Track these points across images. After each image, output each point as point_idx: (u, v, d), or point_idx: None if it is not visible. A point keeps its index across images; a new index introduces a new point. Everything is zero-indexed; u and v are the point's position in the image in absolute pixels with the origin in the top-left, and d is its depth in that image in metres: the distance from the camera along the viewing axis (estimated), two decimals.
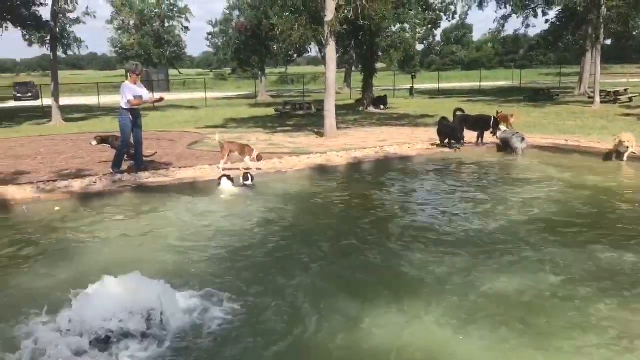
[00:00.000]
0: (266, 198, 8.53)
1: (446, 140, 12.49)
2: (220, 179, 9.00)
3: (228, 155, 10.23)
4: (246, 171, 9.38)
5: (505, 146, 12.10)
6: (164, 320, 4.20)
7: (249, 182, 9.02)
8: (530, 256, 5.70)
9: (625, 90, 27.36)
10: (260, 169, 10.06)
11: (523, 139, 11.92)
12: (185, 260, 5.85)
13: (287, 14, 18.18)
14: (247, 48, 38.85)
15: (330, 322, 4.38)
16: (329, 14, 14.74)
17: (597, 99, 23.37)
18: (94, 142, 11.67)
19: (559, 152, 11.76)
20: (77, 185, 9.02)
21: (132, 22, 52.57)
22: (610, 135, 13.84)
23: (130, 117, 10.29)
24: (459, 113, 13.36)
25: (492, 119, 12.95)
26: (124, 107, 10.18)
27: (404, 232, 6.73)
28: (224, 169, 9.87)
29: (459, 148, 12.26)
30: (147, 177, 9.63)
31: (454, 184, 9.44)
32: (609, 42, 39.39)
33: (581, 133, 14.59)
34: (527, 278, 5.12)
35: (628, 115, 19.31)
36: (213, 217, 7.50)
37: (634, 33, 37.27)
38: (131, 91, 10.10)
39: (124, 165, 10.57)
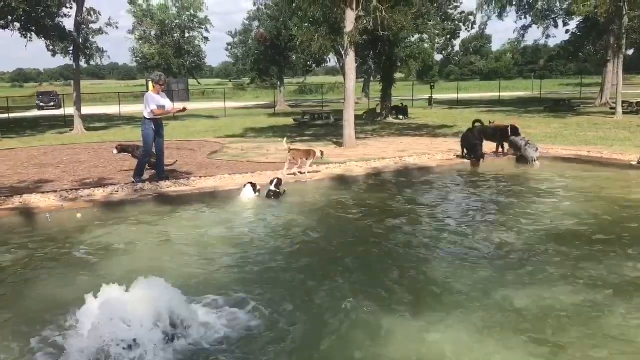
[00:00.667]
0: (285, 208, 8.56)
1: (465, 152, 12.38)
2: (244, 185, 9.10)
3: (291, 161, 10.58)
4: (276, 177, 9.42)
5: (515, 150, 12.19)
6: (184, 328, 4.22)
7: (272, 188, 9.03)
8: (554, 269, 5.64)
9: None
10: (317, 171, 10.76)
11: (537, 149, 11.83)
12: (205, 269, 5.87)
13: (307, 24, 18.31)
14: (266, 58, 39.13)
15: (351, 331, 4.37)
16: (349, 25, 14.80)
17: (619, 109, 23.12)
18: (115, 151, 11.91)
19: (580, 164, 11.62)
20: (99, 194, 9.12)
21: (153, 33, 53.17)
22: (634, 147, 13.70)
23: (153, 126, 10.40)
24: (477, 124, 13.18)
25: (510, 128, 12.79)
26: (147, 117, 10.30)
27: (425, 243, 6.69)
28: (288, 174, 10.23)
29: (475, 160, 11.88)
30: (168, 187, 9.71)
31: (474, 196, 9.39)
32: (631, 52, 38.91)
33: (603, 144, 14.42)
34: (546, 291, 5.06)
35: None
36: (234, 227, 7.54)
37: None
38: (155, 101, 10.22)
39: (146, 175, 10.66)
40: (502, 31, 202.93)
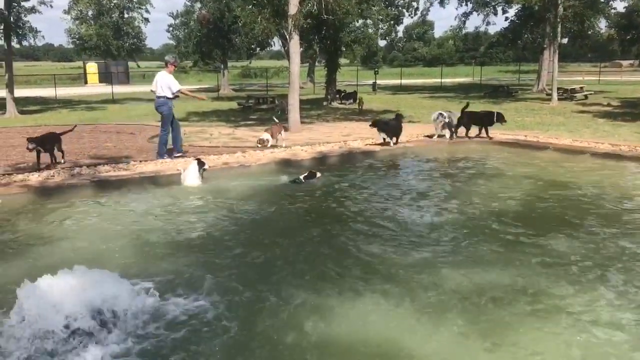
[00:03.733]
0: (228, 192, 8.46)
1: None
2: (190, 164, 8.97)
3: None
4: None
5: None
6: (122, 314, 4.11)
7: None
8: (487, 249, 5.81)
9: (581, 88, 28.13)
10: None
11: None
12: (144, 255, 5.74)
13: (250, 6, 18.04)
14: (209, 41, 38.32)
15: (294, 316, 4.37)
16: (293, 8, 14.67)
17: (555, 96, 23.98)
18: (31, 146, 9.80)
19: (518, 148, 12.00)
20: (34, 179, 8.75)
21: (90, 13, 51.27)
22: (568, 131, 14.25)
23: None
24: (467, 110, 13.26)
25: (495, 114, 13.22)
26: (170, 96, 10.67)
27: (366, 226, 6.75)
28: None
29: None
30: (107, 171, 9.42)
31: (415, 179, 9.53)
32: (565, 40, 40.29)
33: (539, 129, 14.92)
34: (485, 270, 5.21)
35: (584, 112, 19.85)
36: (174, 212, 7.39)
37: (589, 32, 38.28)
38: (175, 82, 10.74)
39: (87, 160, 10.31)
40: (445, 18, 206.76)
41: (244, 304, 4.60)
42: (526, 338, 4.03)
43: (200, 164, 8.90)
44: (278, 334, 4.11)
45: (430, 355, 3.85)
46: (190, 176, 8.77)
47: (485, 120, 13.20)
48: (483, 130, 13.13)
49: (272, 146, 12.02)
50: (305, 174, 9.01)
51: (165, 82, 10.64)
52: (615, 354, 3.84)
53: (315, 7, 15.29)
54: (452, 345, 3.97)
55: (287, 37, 15.51)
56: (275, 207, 7.73)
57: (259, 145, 11.99)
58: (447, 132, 12.85)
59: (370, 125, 12.35)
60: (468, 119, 13.08)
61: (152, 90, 11.15)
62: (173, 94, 10.71)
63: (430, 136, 13.17)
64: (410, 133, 13.84)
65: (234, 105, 25.23)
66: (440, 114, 13.04)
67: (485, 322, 4.26)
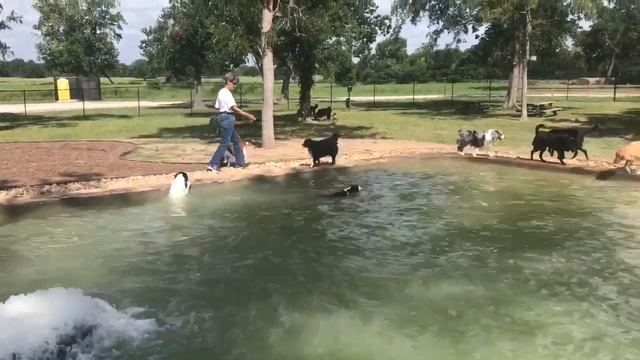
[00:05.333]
0: (202, 210, 8.42)
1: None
2: (175, 176, 9.09)
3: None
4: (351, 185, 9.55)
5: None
6: (92, 335, 4.04)
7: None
8: (454, 263, 5.87)
9: (550, 104, 28.77)
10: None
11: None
12: (115, 276, 5.65)
13: (224, 23, 18.10)
14: (182, 57, 38.27)
15: (265, 331, 4.35)
16: (266, 25, 14.74)
17: (525, 112, 24.48)
18: None
19: (488, 163, 12.18)
20: (1, 196, 8.57)
21: (61, 29, 50.77)
22: None
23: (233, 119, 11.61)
24: (541, 129, 12.42)
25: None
26: (229, 111, 11.41)
27: (343, 241, 6.77)
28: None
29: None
30: (77, 189, 9.28)
31: (390, 194, 9.59)
32: (534, 58, 41.19)
33: (510, 145, 15.16)
34: (453, 284, 5.26)
35: (553, 128, 20.23)
36: (146, 231, 7.32)
37: (557, 50, 39.27)
38: (232, 98, 11.56)
39: (57, 177, 10.15)
40: (417, 35, 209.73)
41: (219, 324, 4.56)
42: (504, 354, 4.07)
43: (185, 177, 9.05)
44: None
45: None
46: (176, 188, 8.88)
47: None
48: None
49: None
50: (349, 188, 9.28)
51: (224, 98, 11.39)
52: None
53: (288, 24, 15.40)
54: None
55: (261, 53, 15.55)
56: (251, 224, 7.71)
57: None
58: (473, 151, 12.74)
59: (303, 145, 11.91)
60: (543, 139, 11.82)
61: (215, 107, 12.03)
62: (229, 108, 11.40)
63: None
64: (382, 149, 13.98)
65: (207, 121, 25.11)
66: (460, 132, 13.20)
67: (461, 338, 4.30)
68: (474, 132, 13.02)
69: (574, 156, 11.70)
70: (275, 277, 5.60)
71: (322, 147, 11.89)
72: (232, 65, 43.57)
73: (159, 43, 42.07)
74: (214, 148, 15.35)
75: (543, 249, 6.27)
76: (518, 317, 4.59)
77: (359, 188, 9.39)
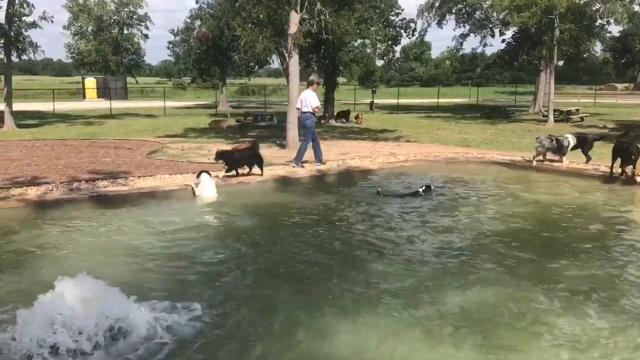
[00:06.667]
0: (227, 209, 8.48)
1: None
2: (198, 175, 9.20)
3: None
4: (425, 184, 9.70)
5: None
6: (123, 331, 4.09)
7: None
8: (489, 271, 5.82)
9: (577, 110, 28.39)
10: None
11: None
12: (143, 271, 5.73)
13: (251, 25, 18.18)
14: (207, 58, 38.55)
15: (291, 330, 4.37)
16: (293, 27, 14.80)
17: (551, 117, 24.17)
18: None
19: (514, 168, 12.06)
20: (32, 192, 8.74)
21: (89, 29, 51.45)
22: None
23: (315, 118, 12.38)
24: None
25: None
26: (311, 110, 12.12)
27: (365, 245, 6.77)
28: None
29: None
30: (105, 187, 9.42)
31: (416, 198, 9.54)
32: (561, 63, 40.67)
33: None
34: (487, 292, 5.22)
35: (580, 134, 19.95)
36: (175, 229, 7.39)
37: (585, 55, 38.66)
38: (316, 99, 12.32)
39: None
40: (442, 39, 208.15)
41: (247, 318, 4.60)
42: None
43: (208, 174, 9.23)
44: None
45: None
46: (208, 189, 9.00)
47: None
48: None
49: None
50: (423, 188, 9.51)
51: (309, 99, 12.11)
52: None
53: (315, 26, 15.41)
54: None
55: (287, 55, 15.60)
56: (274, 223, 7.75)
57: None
58: (556, 157, 12.12)
59: (215, 159, 10.67)
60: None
61: (297, 108, 12.65)
62: (312, 108, 12.10)
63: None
64: (407, 152, 13.94)
65: (232, 122, 25.29)
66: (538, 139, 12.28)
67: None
68: (556, 137, 12.20)
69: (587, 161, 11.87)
70: (300, 278, 5.62)
71: (238, 158, 10.72)
72: (257, 67, 43.80)
73: (186, 44, 42.42)
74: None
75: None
76: None
77: (432, 187, 9.64)
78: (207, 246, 6.64)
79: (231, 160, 10.54)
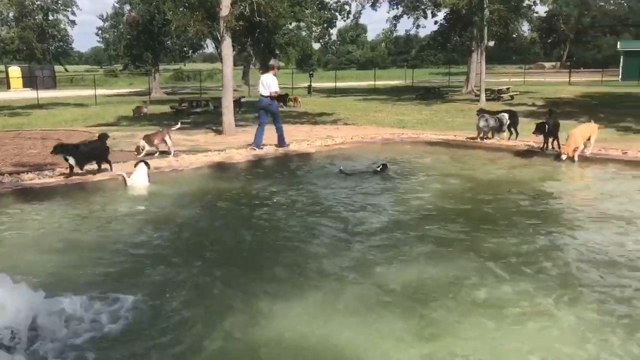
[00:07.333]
0: (159, 198, 8.28)
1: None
2: (136, 165, 8.94)
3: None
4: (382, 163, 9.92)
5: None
6: (38, 326, 3.92)
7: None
8: (414, 246, 5.92)
9: (508, 88, 29.28)
10: None
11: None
12: (72, 265, 5.52)
13: (182, 9, 17.75)
14: (139, 43, 37.45)
15: (225, 315, 4.31)
16: (225, 9, 14.51)
17: (483, 96, 24.84)
18: None
19: (448, 147, 12.31)
20: None
21: (11, 15, 48.98)
22: None
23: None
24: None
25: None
26: (273, 95, 12.12)
27: (300, 226, 6.76)
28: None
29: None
30: (31, 179, 8.99)
31: (350, 180, 9.59)
32: (492, 43, 41.80)
33: (469, 129, 15.35)
34: (413, 267, 5.31)
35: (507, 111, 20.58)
36: (104, 220, 7.16)
37: (514, 35, 39.91)
38: (276, 83, 12.21)
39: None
40: (377, 21, 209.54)
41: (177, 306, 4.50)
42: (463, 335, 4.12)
43: (147, 166, 8.94)
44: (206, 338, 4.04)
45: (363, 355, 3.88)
46: (141, 178, 8.76)
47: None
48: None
49: (163, 152, 11.31)
50: (380, 166, 9.75)
51: (270, 83, 12.01)
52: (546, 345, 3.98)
53: (247, 9, 15.19)
54: (388, 344, 4.01)
55: (220, 39, 15.31)
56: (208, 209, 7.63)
57: (136, 153, 11.35)
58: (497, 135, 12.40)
59: (51, 152, 9.18)
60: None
61: (259, 91, 12.47)
62: (270, 92, 12.03)
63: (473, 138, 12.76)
64: (344, 135, 14.01)
65: (166, 109, 24.70)
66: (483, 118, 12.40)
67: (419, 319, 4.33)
68: (497, 116, 12.46)
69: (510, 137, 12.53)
70: (234, 262, 5.55)
71: (84, 152, 9.20)
72: (191, 52, 42.95)
73: (115, 30, 41.09)
74: (173, 136, 15.09)
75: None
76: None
77: (388, 165, 9.85)
78: (138, 236, 6.45)
79: (77, 154, 8.94)
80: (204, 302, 4.63)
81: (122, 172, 8.94)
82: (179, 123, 12.92)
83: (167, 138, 11.37)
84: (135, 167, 8.95)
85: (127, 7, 39.50)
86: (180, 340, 4.03)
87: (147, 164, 8.98)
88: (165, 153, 11.25)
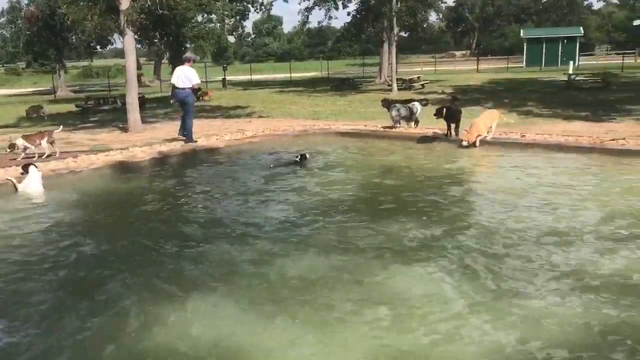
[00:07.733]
0: (53, 203, 7.81)
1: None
2: (25, 168, 8.39)
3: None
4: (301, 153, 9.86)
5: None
6: None
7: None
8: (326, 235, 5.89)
9: (418, 77, 29.97)
10: None
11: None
12: None
13: (82, 2, 16.86)
14: (40, 40, 35.43)
15: (122, 321, 4.09)
16: (125, 2, 13.90)
17: (395, 86, 25.28)
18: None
19: (358, 137, 12.41)
20: None
21: None
22: None
23: None
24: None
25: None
26: (191, 87, 12.00)
27: (202, 222, 6.57)
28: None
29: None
30: None
31: (255, 174, 9.42)
32: (403, 33, 42.68)
33: (381, 118, 15.56)
34: (315, 259, 5.27)
35: (420, 101, 21.07)
36: None
37: (424, 25, 40.92)
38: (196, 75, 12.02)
39: None
40: (293, 13, 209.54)
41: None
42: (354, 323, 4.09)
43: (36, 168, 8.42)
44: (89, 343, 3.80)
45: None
46: (34, 182, 8.18)
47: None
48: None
49: (42, 154, 10.58)
50: (299, 157, 9.70)
51: (190, 76, 11.81)
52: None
53: (149, 2, 14.63)
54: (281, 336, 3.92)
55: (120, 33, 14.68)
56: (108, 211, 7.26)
57: (8, 150, 10.61)
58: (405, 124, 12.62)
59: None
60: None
61: (177, 84, 11.98)
62: (193, 85, 11.97)
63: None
64: (256, 128, 13.83)
65: (72, 107, 23.52)
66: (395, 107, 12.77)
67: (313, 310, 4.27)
68: (408, 105, 12.79)
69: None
70: (130, 265, 5.29)
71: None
72: (98, 47, 41.17)
73: (13, 25, 38.67)
74: (77, 136, 14.39)
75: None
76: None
77: (307, 156, 9.83)
78: (27, 246, 6.03)
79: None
80: (96, 308, 4.36)
81: (11, 177, 8.36)
82: (60, 127, 12.13)
83: (43, 141, 10.60)
84: (23, 170, 8.37)
85: (24, 1, 37.29)
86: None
87: (35, 165, 8.42)
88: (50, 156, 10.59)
